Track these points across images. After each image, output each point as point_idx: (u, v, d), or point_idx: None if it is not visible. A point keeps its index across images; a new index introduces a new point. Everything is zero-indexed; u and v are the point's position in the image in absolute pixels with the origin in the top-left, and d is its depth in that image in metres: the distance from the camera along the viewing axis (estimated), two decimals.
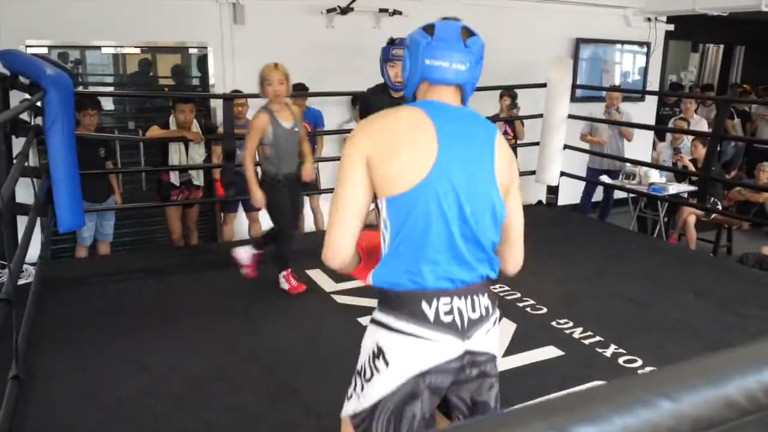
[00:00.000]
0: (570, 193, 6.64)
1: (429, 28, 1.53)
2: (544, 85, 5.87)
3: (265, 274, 4.03)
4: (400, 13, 5.92)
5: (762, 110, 8.68)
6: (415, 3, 5.76)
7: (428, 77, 1.52)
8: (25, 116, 3.91)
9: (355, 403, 1.53)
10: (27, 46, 4.76)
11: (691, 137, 6.17)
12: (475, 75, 1.55)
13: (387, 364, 1.46)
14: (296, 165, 3.84)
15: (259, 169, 3.85)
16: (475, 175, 1.47)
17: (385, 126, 1.50)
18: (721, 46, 10.99)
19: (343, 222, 1.48)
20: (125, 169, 5.34)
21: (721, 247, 5.98)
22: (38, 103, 3.72)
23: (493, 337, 1.55)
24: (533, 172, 6.07)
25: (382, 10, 6.00)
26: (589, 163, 6.56)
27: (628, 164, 6.26)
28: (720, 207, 6.00)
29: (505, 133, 6.15)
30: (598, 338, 3.34)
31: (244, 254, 3.96)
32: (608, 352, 3.19)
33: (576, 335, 3.39)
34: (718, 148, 6.71)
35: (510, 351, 3.13)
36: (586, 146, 6.44)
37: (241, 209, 5.30)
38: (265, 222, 4.36)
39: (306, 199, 5.82)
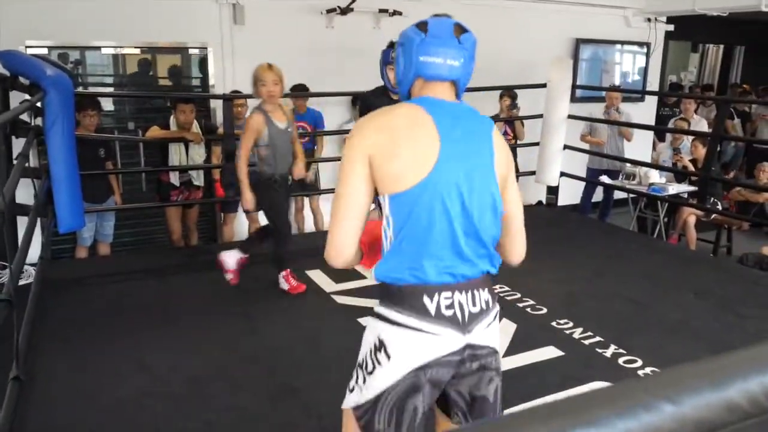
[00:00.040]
0: (570, 194, 6.64)
1: (422, 26, 1.53)
2: (544, 86, 5.87)
3: (265, 274, 4.04)
4: (399, 13, 5.92)
5: (762, 110, 8.68)
6: (415, 3, 5.75)
7: (423, 74, 1.53)
8: (25, 117, 3.91)
9: (357, 395, 1.53)
10: (27, 47, 4.76)
11: (690, 137, 6.17)
12: (468, 71, 1.56)
13: (389, 357, 1.46)
14: (289, 165, 3.84)
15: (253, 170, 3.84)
16: (475, 171, 1.48)
17: (385, 123, 1.50)
18: (721, 47, 11.00)
19: (345, 222, 1.49)
20: (125, 170, 5.34)
21: (721, 248, 5.97)
22: (38, 104, 3.72)
23: (494, 331, 1.56)
24: (533, 173, 6.08)
25: (381, 11, 6.01)
26: (589, 163, 6.56)
27: (628, 164, 6.25)
28: (720, 207, 6.00)
29: (505, 133, 6.15)
30: (598, 338, 3.34)
31: (230, 259, 3.85)
32: (608, 353, 3.19)
33: (576, 335, 3.39)
34: (718, 149, 6.72)
35: (510, 351, 3.13)
36: (586, 146, 6.43)
37: (241, 209, 5.29)
38: (265, 222, 4.35)
39: (306, 200, 5.83)
